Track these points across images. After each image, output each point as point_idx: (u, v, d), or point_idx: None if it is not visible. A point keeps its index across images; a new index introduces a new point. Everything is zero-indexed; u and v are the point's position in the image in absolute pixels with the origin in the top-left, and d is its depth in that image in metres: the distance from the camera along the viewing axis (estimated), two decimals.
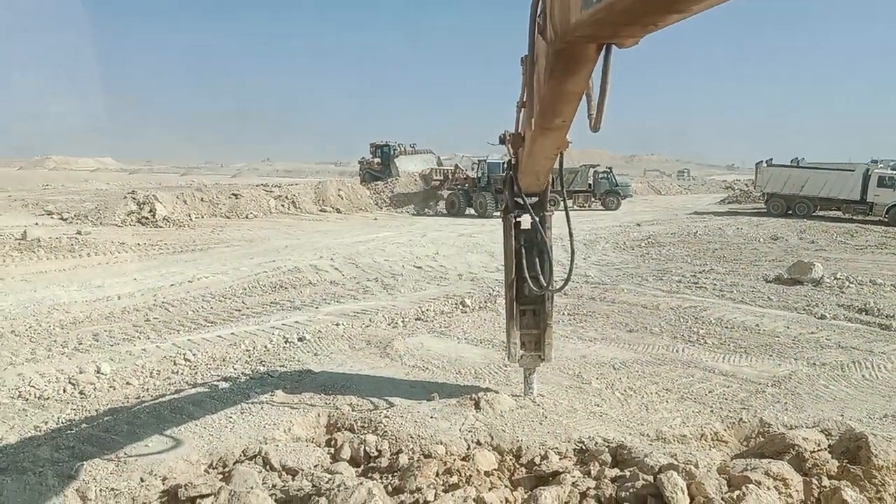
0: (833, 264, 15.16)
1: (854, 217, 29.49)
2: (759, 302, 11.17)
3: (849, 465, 4.59)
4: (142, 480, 4.77)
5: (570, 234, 4.96)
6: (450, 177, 37.70)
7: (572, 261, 4.95)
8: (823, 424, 5.67)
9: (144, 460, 5.06)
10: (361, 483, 4.30)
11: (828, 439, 5.11)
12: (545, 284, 5.67)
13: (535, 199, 5.69)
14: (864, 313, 10.18)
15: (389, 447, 5.33)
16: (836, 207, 30.70)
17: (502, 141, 5.44)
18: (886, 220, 27.83)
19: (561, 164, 4.93)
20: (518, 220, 5.95)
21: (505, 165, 7.45)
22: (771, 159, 34.47)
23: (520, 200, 5.61)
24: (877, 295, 11.50)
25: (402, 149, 43.59)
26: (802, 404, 6.35)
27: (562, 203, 5.38)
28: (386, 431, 5.53)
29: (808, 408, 6.25)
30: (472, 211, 32.44)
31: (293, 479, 4.90)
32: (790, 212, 31.49)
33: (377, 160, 43.39)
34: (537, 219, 5.57)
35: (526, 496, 4.35)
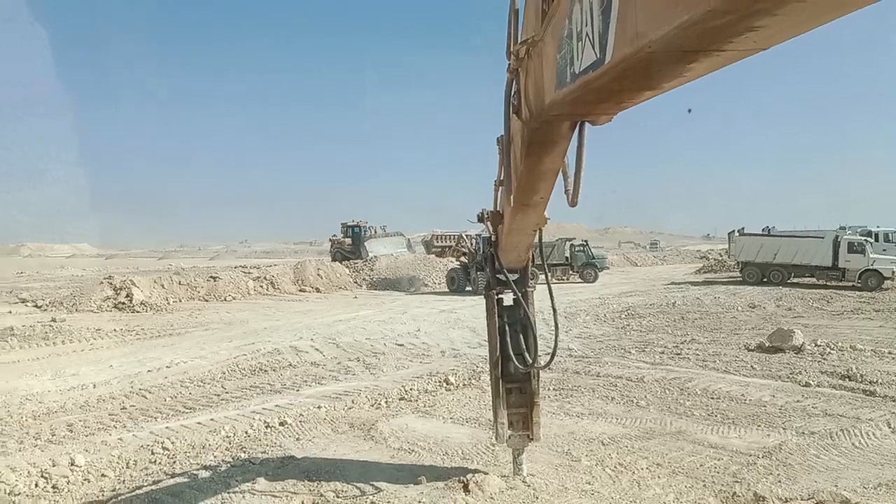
0: (812, 331, 15.28)
1: (828, 283, 29.89)
2: (742, 371, 11.18)
3: None
4: None
5: (554, 309, 4.97)
6: (454, 245, 37.81)
7: (556, 336, 4.94)
8: (818, 496, 5.61)
9: None
10: None
11: None
12: (531, 361, 5.63)
13: (516, 276, 5.71)
14: (847, 379, 10.21)
15: None
16: (809, 274, 31.15)
17: (481, 219, 5.50)
18: (859, 284, 28.24)
19: (540, 239, 4.99)
20: (500, 297, 5.96)
21: None
22: (743, 228, 35.11)
23: (501, 277, 5.63)
24: (858, 361, 11.57)
25: (373, 231, 44.81)
26: (795, 475, 6.27)
27: (541, 277, 5.41)
28: None
29: (801, 479, 6.18)
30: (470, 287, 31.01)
31: None
32: (765, 279, 31.91)
33: (348, 240, 44.47)
34: (520, 294, 5.58)
35: None
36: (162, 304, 24.58)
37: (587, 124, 2.70)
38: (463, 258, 33.54)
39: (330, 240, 47.67)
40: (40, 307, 23.56)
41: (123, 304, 23.81)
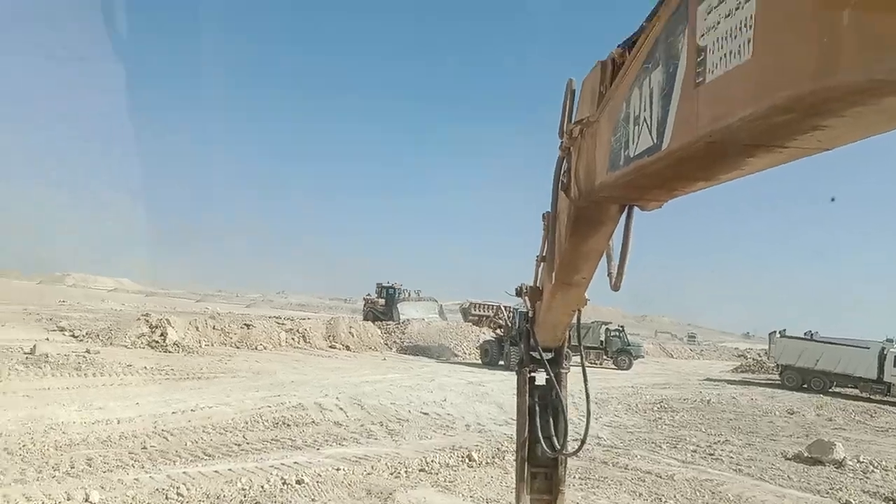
0: (854, 445, 14.62)
1: (872, 396, 28.75)
2: (779, 480, 10.70)
3: None
4: None
5: (587, 394, 4.82)
6: (491, 315, 37.66)
7: (588, 422, 4.78)
8: None
9: None
10: None
11: None
12: (559, 447, 5.47)
13: (550, 355, 5.60)
14: (892, 502, 9.68)
15: None
16: (852, 385, 30.01)
17: (519, 293, 5.45)
18: None
19: (578, 321, 4.92)
20: (532, 375, 5.84)
21: None
22: (784, 330, 34.25)
23: (535, 355, 5.53)
24: None
25: (407, 294, 44.89)
26: None
27: (575, 359, 5.31)
28: None
29: None
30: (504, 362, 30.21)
31: None
32: (805, 385, 30.79)
33: (381, 300, 44.60)
34: (553, 375, 5.47)
35: None
36: (194, 347, 24.82)
37: (636, 208, 2.68)
38: (499, 330, 33.25)
39: (364, 299, 47.96)
40: (77, 337, 24.02)
41: (157, 342, 24.10)
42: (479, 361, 31.39)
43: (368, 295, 47.13)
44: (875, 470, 11.79)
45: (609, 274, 2.95)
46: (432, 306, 44.57)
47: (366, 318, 41.47)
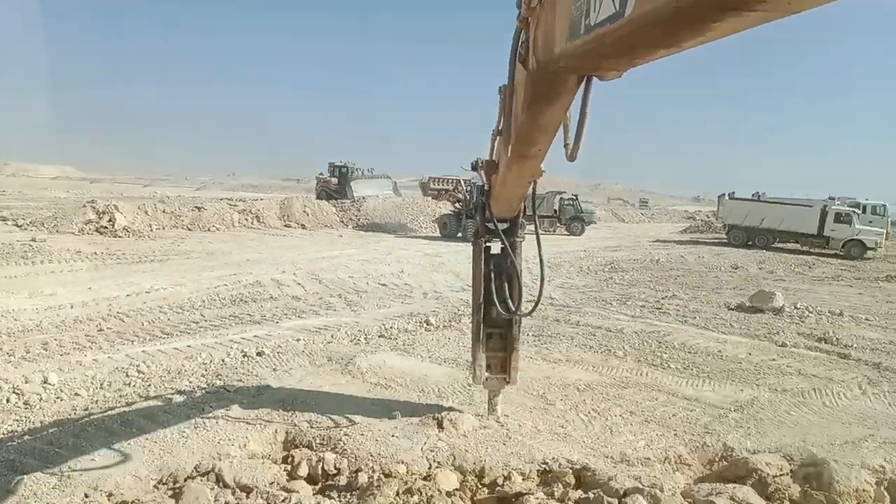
0: (792, 294, 15.40)
1: (811, 250, 30.26)
2: (721, 328, 11.27)
3: (811, 491, 4.57)
4: (86, 496, 4.53)
5: (541, 260, 4.89)
6: (450, 189, 37.56)
7: (542, 286, 4.87)
8: (786, 450, 5.67)
9: (90, 475, 4.81)
10: (319, 502, 4.16)
11: (790, 465, 5.12)
12: (514, 309, 5.62)
13: (506, 225, 5.66)
14: (823, 342, 10.32)
15: (349, 465, 5.17)
16: (794, 240, 31.47)
17: (475, 167, 5.40)
18: (842, 253, 28.70)
19: (534, 191, 4.91)
20: (488, 244, 5.92)
21: None
22: (733, 192, 35.24)
23: (491, 226, 5.59)
24: (835, 325, 11.69)
25: (360, 172, 44.55)
26: (765, 430, 6.35)
27: (530, 228, 5.36)
28: (345, 449, 5.37)
29: (770, 433, 6.25)
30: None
31: (247, 497, 4.71)
32: (750, 243, 32.16)
33: (334, 179, 44.26)
34: (508, 244, 5.55)
35: None
36: (144, 231, 24.32)
37: (595, 79, 2.58)
38: (458, 204, 33.31)
39: (317, 178, 47.42)
40: (20, 226, 23.25)
41: (105, 228, 23.52)
42: (437, 235, 31.63)
43: (321, 174, 46.61)
44: (810, 315, 12.50)
45: (566, 145, 2.88)
46: (386, 183, 44.31)
47: (319, 198, 40.96)
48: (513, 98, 3.43)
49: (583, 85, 2.62)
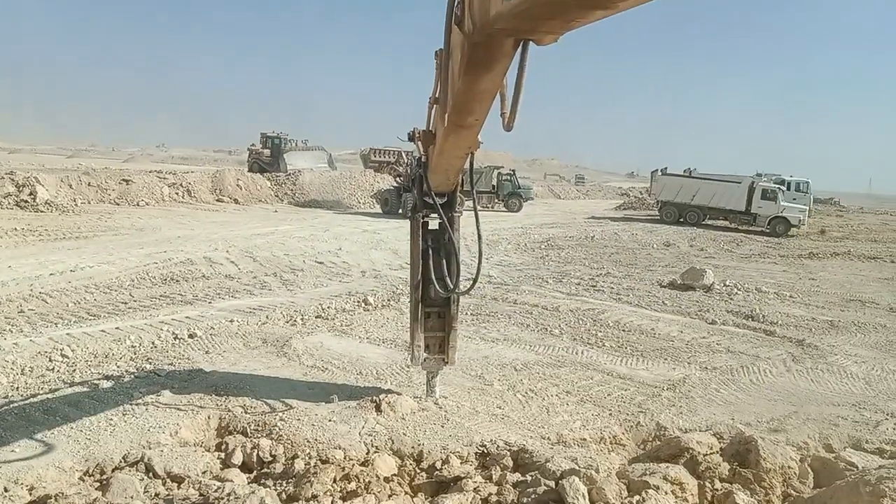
0: (722, 271, 15.90)
1: (739, 227, 31.18)
2: (654, 306, 11.55)
3: (739, 469, 4.73)
4: (5, 490, 4.33)
5: (479, 236, 4.85)
6: (392, 162, 37.01)
7: (479, 263, 4.84)
8: (716, 428, 5.86)
9: (10, 467, 4.59)
10: (254, 491, 4.07)
11: (720, 442, 5.27)
12: (452, 286, 5.56)
13: (443, 200, 5.56)
14: (750, 319, 10.70)
15: (285, 452, 5.08)
16: (723, 217, 32.35)
17: (412, 138, 5.29)
18: (768, 230, 29.60)
19: (472, 164, 4.84)
20: (425, 220, 5.82)
21: None
22: (665, 168, 35.97)
23: (429, 200, 5.47)
24: (762, 302, 12.13)
25: (294, 144, 43.57)
26: (696, 408, 6.55)
27: (468, 203, 5.29)
28: (281, 435, 5.27)
29: (701, 411, 6.45)
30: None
31: (178, 488, 4.57)
32: (681, 219, 32.93)
33: (267, 151, 43.17)
34: (446, 219, 5.46)
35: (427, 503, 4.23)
36: (69, 206, 23.28)
37: (531, 44, 2.51)
38: (399, 178, 32.80)
39: (248, 149, 46.19)
40: None
41: (26, 202, 22.39)
42: (376, 211, 31.27)
43: (253, 145, 45.35)
44: (739, 292, 12.94)
45: (502, 114, 2.82)
46: (321, 156, 43.36)
47: (251, 170, 39.97)
48: (449, 63, 3.35)
49: (520, 50, 2.56)
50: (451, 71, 3.35)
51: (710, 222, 32.70)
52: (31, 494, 4.37)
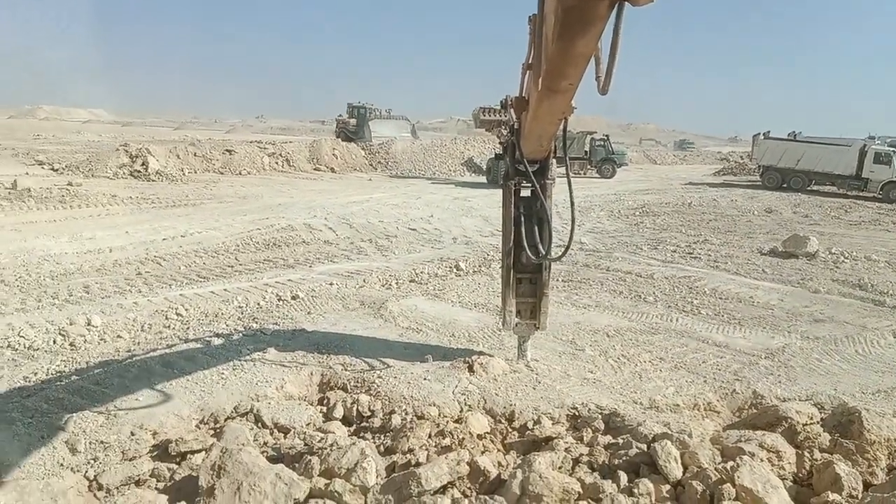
0: (827, 239, 15.15)
1: (848, 193, 29.37)
2: (753, 274, 11.18)
3: (841, 440, 4.59)
4: (132, 434, 4.75)
5: (572, 203, 4.85)
6: (504, 119, 37.09)
7: (572, 230, 4.86)
8: (816, 398, 5.70)
9: (135, 414, 5.03)
10: (354, 443, 4.29)
11: (820, 413, 5.12)
12: (544, 253, 5.59)
13: (536, 167, 5.56)
14: (858, 289, 10.19)
15: (382, 407, 5.32)
16: (830, 182, 30.55)
17: (504, 105, 5.31)
18: (881, 196, 27.72)
19: (565, 130, 4.83)
20: (518, 187, 5.84)
21: None
22: (768, 132, 34.20)
23: (521, 167, 5.48)
24: (871, 271, 11.52)
25: (378, 113, 44.50)
26: (796, 377, 6.37)
27: (560, 170, 5.27)
28: (379, 392, 5.52)
29: (801, 381, 6.27)
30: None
31: (285, 438, 4.89)
32: (785, 185, 31.32)
33: (353, 120, 44.30)
34: (538, 186, 5.46)
35: (519, 461, 4.34)
36: (177, 175, 24.60)
37: (627, 5, 2.49)
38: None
39: (336, 119, 47.67)
40: (56, 170, 23.67)
41: (139, 172, 23.84)
42: (467, 180, 31.26)
43: (340, 115, 46.64)
44: (846, 260, 12.31)
45: (597, 78, 2.82)
46: (404, 125, 44.43)
47: (337, 138, 41.17)
48: (542, 28, 3.35)
49: (615, 12, 2.55)
50: (545, 36, 3.35)
51: (815, 188, 30.99)
52: (154, 438, 4.78)
